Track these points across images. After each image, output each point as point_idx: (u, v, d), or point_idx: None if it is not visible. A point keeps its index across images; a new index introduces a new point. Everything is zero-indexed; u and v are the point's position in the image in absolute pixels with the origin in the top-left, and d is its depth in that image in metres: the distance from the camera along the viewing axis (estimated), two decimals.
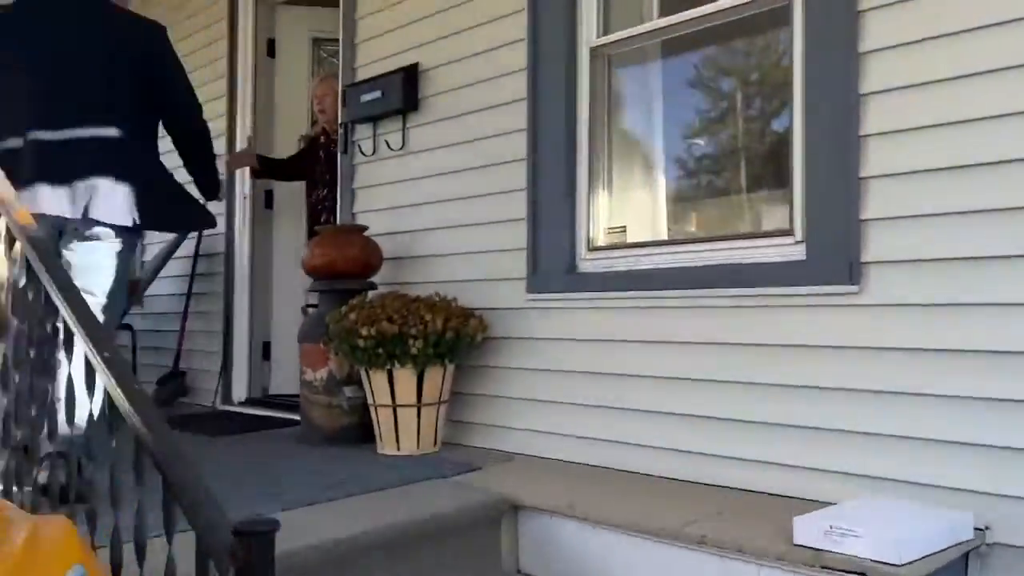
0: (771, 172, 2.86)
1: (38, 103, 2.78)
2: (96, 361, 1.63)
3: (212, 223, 3.30)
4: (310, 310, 3.80)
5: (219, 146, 4.93)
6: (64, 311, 1.78)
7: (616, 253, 3.02)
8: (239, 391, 4.79)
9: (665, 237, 3.10)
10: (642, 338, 2.82)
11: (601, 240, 3.09)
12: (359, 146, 3.91)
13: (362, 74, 3.90)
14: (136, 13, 3.10)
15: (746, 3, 2.67)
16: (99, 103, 2.82)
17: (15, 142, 2.77)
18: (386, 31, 3.83)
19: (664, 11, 2.96)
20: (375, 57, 3.87)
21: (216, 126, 4.97)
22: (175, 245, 4.96)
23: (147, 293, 5.56)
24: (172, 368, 5.04)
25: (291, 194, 4.83)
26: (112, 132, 2.82)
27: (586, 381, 2.97)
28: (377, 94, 3.71)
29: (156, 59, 2.96)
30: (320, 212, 4.31)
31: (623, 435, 2.85)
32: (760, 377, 2.53)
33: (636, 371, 2.83)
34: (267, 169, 4.57)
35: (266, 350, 4.83)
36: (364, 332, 3.01)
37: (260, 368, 4.82)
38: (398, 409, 3.12)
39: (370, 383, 3.16)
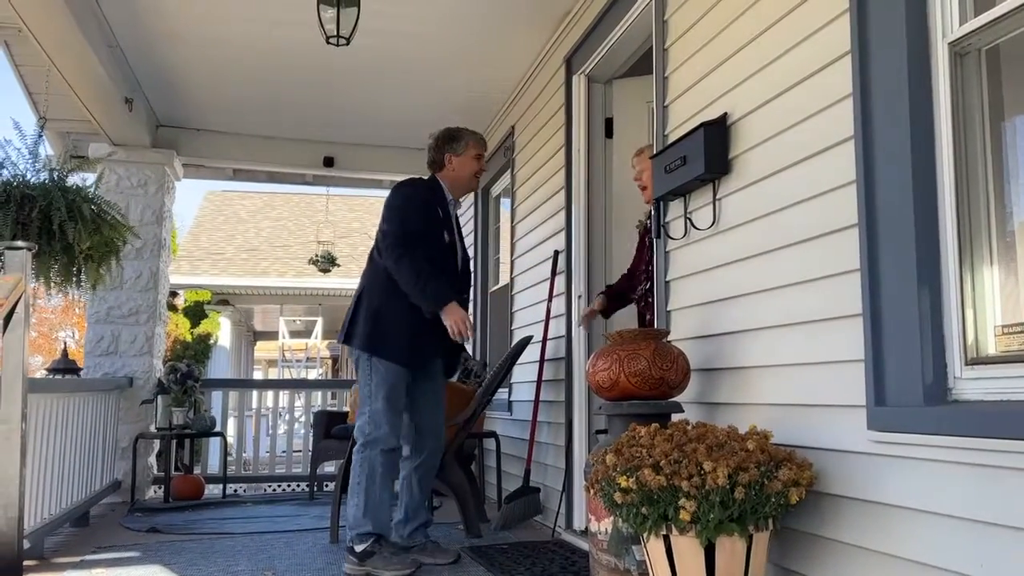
0: None
1: None
2: None
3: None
4: (600, 436, 3.07)
5: (559, 242, 4.55)
6: None
7: (1020, 369, 1.77)
8: (580, 517, 4.19)
9: None
10: None
11: (991, 347, 1.87)
12: (666, 228, 3.13)
13: (672, 140, 3.15)
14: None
15: None
16: None
17: None
18: (694, 82, 3.04)
19: None
20: (683, 117, 3.10)
21: (557, 221, 4.63)
22: (514, 351, 4.63)
23: (514, 398, 5.36)
24: (523, 483, 4.65)
25: None
26: None
27: None
28: (679, 161, 2.93)
29: None
30: (644, 311, 3.58)
31: None
32: None
33: None
34: (616, 298, 3.93)
35: None
36: (623, 482, 2.20)
37: None
38: None
39: (646, 551, 2.31)
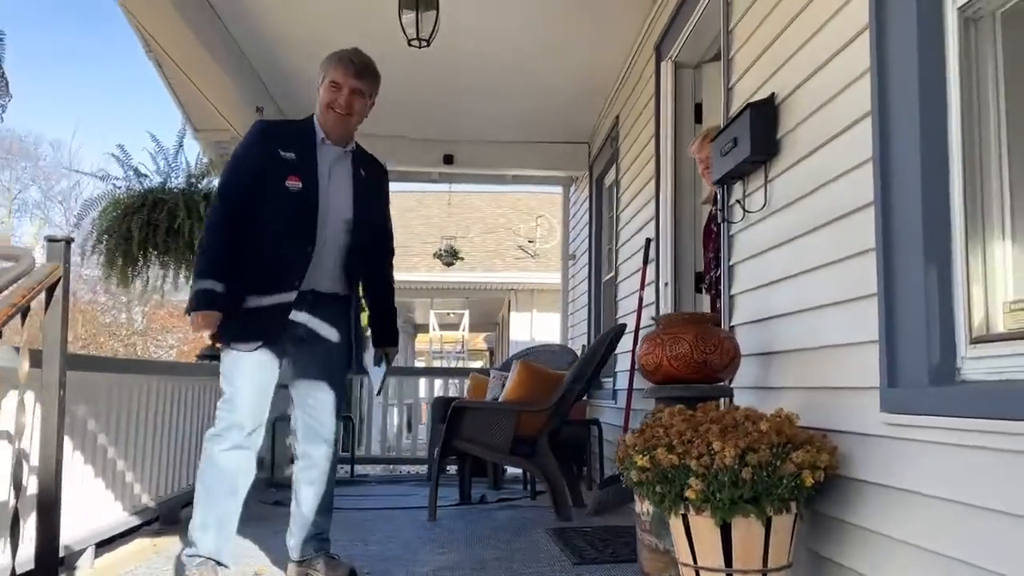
0: None
1: None
2: None
3: None
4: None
5: (650, 231, 4.56)
6: None
7: None
8: None
9: None
10: None
11: (1000, 324, 1.77)
12: (728, 212, 3.10)
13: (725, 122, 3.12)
14: None
15: None
16: None
17: None
18: (752, 62, 3.00)
19: None
20: (743, 98, 3.06)
21: (649, 210, 4.63)
22: (607, 340, 4.68)
23: (618, 387, 5.40)
24: (619, 470, 4.69)
25: None
26: None
27: None
28: (731, 143, 2.90)
29: None
30: (715, 299, 3.54)
31: None
32: None
33: None
34: None
35: None
36: (639, 461, 2.25)
37: None
38: (702, 574, 2.23)
39: (670, 530, 2.34)
